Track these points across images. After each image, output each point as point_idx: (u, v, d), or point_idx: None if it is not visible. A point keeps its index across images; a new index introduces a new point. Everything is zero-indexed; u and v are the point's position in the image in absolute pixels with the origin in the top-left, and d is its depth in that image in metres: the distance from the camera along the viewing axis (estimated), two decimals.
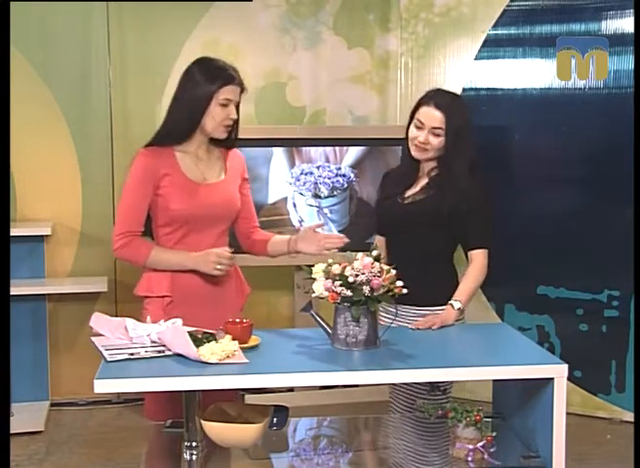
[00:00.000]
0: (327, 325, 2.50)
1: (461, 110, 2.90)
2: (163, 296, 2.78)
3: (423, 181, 2.94)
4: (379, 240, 3.05)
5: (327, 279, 2.41)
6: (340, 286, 2.38)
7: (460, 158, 2.85)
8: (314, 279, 2.46)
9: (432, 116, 2.84)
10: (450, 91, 3.03)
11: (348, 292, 2.37)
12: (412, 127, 2.91)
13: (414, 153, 2.91)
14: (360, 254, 2.45)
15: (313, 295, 2.46)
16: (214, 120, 2.74)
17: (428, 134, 2.85)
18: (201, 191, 2.77)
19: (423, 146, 2.87)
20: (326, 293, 2.40)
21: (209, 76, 2.72)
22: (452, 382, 2.87)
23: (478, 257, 2.89)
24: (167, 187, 2.74)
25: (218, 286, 2.81)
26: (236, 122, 2.82)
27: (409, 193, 2.94)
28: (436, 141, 2.85)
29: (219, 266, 2.70)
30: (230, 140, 2.86)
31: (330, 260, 2.47)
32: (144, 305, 2.83)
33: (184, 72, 2.80)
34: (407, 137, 2.93)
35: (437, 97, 2.87)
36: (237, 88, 2.76)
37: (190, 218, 2.74)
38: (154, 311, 2.73)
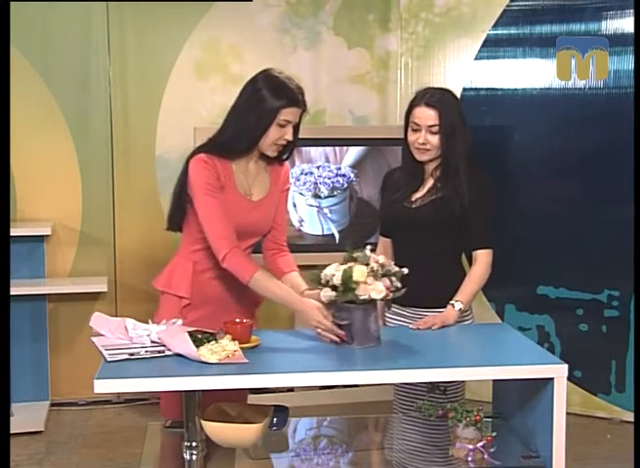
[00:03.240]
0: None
1: (453, 104, 2.89)
2: (180, 297, 2.76)
3: (429, 183, 2.93)
4: (383, 241, 3.05)
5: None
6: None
7: (459, 151, 2.84)
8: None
9: (426, 115, 2.84)
10: (439, 87, 3.01)
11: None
12: (409, 131, 2.90)
13: (417, 156, 2.90)
14: (367, 251, 2.49)
15: (379, 297, 2.44)
16: (268, 139, 2.69)
17: (426, 133, 2.84)
18: (244, 208, 2.74)
19: (424, 147, 2.86)
20: (384, 293, 2.43)
21: (274, 95, 2.65)
22: (454, 383, 2.85)
23: (483, 257, 2.87)
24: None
25: (234, 291, 2.78)
26: (292, 141, 2.74)
27: (416, 196, 2.92)
28: (435, 139, 2.84)
29: (317, 330, 2.57)
30: (282, 156, 2.81)
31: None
32: (160, 299, 2.81)
33: (249, 83, 2.72)
34: (407, 143, 2.93)
35: (427, 96, 2.86)
36: (299, 110, 2.71)
37: None
38: (170, 310, 2.72)
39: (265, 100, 2.65)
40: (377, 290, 2.43)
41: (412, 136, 2.88)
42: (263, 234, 2.86)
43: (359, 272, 2.43)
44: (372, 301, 2.45)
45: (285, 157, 2.84)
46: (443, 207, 2.85)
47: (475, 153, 2.90)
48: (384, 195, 3.07)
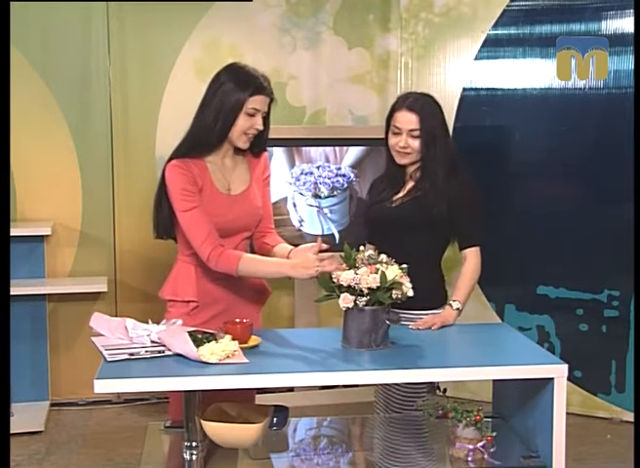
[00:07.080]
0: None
1: (434, 109, 2.91)
2: (188, 301, 2.76)
3: (410, 185, 2.97)
4: (371, 248, 3.05)
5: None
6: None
7: (439, 157, 2.86)
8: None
9: (407, 119, 2.86)
10: (421, 92, 3.03)
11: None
12: (390, 134, 2.93)
13: (397, 160, 2.93)
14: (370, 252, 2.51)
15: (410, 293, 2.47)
16: (238, 128, 2.69)
17: (407, 137, 2.87)
18: (227, 203, 2.74)
19: (405, 151, 2.89)
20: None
21: (239, 85, 2.67)
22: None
23: (471, 256, 2.91)
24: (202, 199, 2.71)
25: (240, 288, 2.79)
26: (264, 131, 2.76)
27: (396, 197, 2.96)
28: (416, 143, 2.87)
29: (318, 269, 2.52)
30: (256, 149, 2.82)
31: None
32: (167, 307, 2.82)
33: (213, 79, 2.75)
34: (387, 146, 2.95)
35: (408, 100, 2.90)
36: (266, 98, 2.71)
37: (217, 230, 2.70)
38: (178, 315, 2.72)
39: (231, 92, 2.67)
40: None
41: (392, 140, 2.91)
42: (254, 226, 2.85)
43: (393, 272, 2.44)
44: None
45: (260, 149, 2.84)
46: (421, 206, 2.88)
47: (458, 159, 2.93)
48: (368, 200, 3.12)
